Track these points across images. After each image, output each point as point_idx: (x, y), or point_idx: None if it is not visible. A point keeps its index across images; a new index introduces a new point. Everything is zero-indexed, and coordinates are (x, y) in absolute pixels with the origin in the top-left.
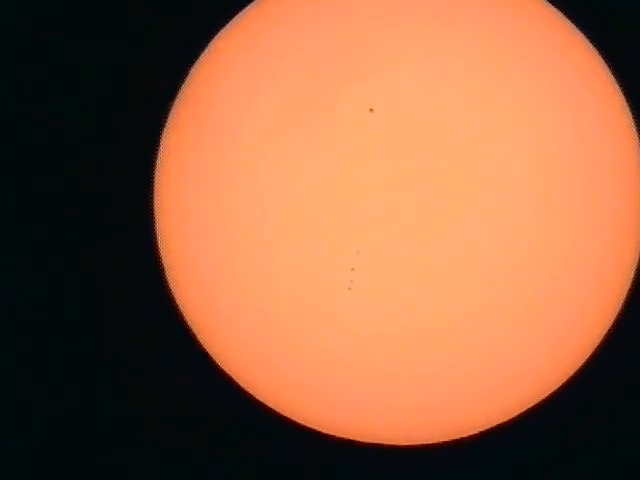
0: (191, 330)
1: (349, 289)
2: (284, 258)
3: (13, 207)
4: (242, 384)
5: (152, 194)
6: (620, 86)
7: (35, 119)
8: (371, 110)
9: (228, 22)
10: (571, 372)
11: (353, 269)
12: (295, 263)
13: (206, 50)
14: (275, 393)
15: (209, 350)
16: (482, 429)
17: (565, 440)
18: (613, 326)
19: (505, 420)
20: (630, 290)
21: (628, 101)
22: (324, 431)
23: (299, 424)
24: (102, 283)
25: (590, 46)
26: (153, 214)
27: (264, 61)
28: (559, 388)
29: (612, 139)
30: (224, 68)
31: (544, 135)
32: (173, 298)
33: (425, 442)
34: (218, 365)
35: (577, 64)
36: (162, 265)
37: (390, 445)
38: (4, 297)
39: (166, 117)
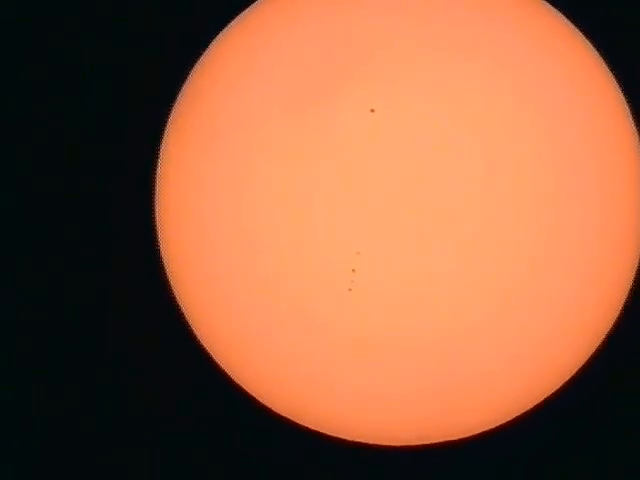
0: (191, 330)
1: (350, 290)
2: (284, 259)
3: (13, 207)
4: (242, 384)
5: (153, 194)
6: (620, 86)
7: (35, 119)
8: (372, 110)
9: (229, 22)
10: (571, 373)
11: (354, 270)
12: (296, 264)
13: (207, 50)
14: (275, 393)
15: (209, 350)
16: (482, 430)
17: (565, 441)
18: (614, 327)
19: (505, 421)
20: (631, 291)
21: (628, 101)
22: (324, 431)
23: (299, 424)
24: (102, 283)
25: (590, 46)
26: (154, 214)
27: (264, 61)
28: (559, 389)
29: (612, 139)
30: (225, 68)
31: (545, 135)
32: (173, 298)
33: (425, 442)
34: (218, 365)
35: (577, 64)
36: (162, 265)
37: (390, 445)
38: (4, 297)
39: (167, 117)
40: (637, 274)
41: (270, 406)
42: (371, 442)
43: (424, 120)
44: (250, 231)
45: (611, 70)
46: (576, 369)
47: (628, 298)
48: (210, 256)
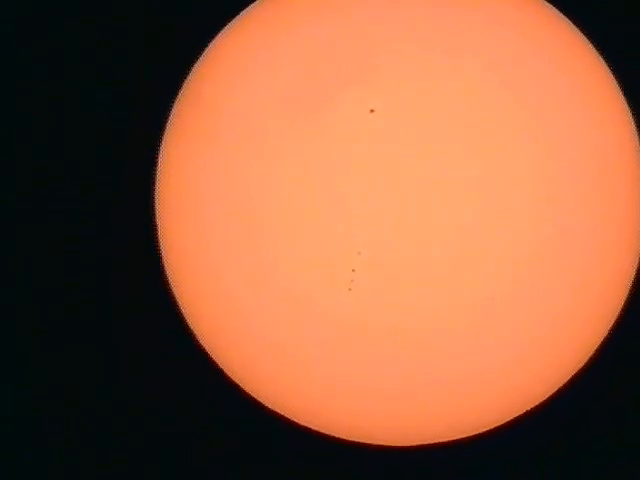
0: (190, 330)
1: (349, 290)
2: (284, 258)
3: (13, 207)
4: (242, 384)
5: (153, 194)
6: (620, 86)
7: (35, 119)
8: (372, 111)
9: (229, 22)
10: (571, 373)
11: (354, 270)
12: (295, 263)
13: (207, 50)
14: (275, 393)
15: (209, 350)
16: (482, 430)
17: (565, 441)
18: (614, 327)
19: (505, 421)
20: (631, 291)
21: (628, 101)
22: (324, 432)
23: (299, 424)
24: (102, 283)
25: (590, 46)
26: (154, 214)
27: (264, 61)
28: (559, 389)
29: (612, 139)
30: (225, 68)
31: (544, 135)
32: (173, 298)
33: (425, 443)
34: (218, 365)
35: (577, 64)
36: (162, 265)
37: (390, 446)
38: (4, 297)
39: (167, 117)
40: (637, 274)
41: (270, 406)
42: (371, 442)
43: (424, 120)
44: (250, 231)
45: (611, 70)
46: (576, 369)
47: (628, 298)
48: (209, 256)
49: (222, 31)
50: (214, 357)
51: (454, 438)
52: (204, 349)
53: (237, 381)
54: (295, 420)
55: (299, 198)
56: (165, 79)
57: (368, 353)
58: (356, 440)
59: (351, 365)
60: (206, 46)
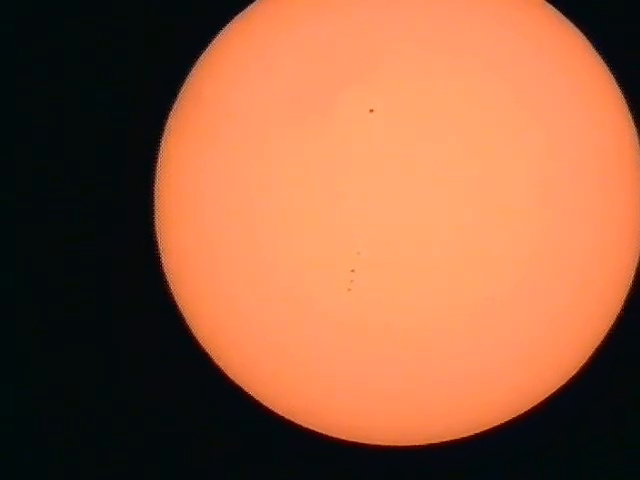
0: (190, 331)
1: (349, 290)
2: (284, 258)
3: (13, 207)
4: (242, 384)
5: (153, 195)
6: (620, 86)
7: (35, 119)
8: (371, 111)
9: (228, 22)
10: (571, 373)
11: (353, 270)
12: (295, 263)
13: (207, 50)
14: (274, 394)
15: (209, 350)
16: (482, 430)
17: (565, 441)
18: (614, 327)
19: (505, 421)
20: (630, 291)
21: (628, 101)
22: (324, 432)
23: (299, 425)
24: (102, 283)
25: (590, 46)
26: (154, 215)
27: (264, 61)
28: (559, 389)
29: (612, 139)
30: (225, 68)
31: (544, 135)
32: (172, 298)
33: (425, 443)
34: (218, 365)
35: (577, 64)
36: (162, 265)
37: (390, 446)
38: (4, 297)
39: (167, 117)
40: (637, 274)
41: (269, 406)
42: (371, 442)
43: (424, 120)
44: (249, 231)
45: (611, 70)
46: (576, 369)
47: (628, 298)
48: (209, 256)
49: (222, 31)
50: (214, 357)
51: (454, 438)
52: (204, 349)
53: (237, 381)
54: (295, 420)
55: (299, 198)
56: (165, 79)
57: (368, 353)
58: (356, 440)
59: (351, 365)
60: (206, 46)
